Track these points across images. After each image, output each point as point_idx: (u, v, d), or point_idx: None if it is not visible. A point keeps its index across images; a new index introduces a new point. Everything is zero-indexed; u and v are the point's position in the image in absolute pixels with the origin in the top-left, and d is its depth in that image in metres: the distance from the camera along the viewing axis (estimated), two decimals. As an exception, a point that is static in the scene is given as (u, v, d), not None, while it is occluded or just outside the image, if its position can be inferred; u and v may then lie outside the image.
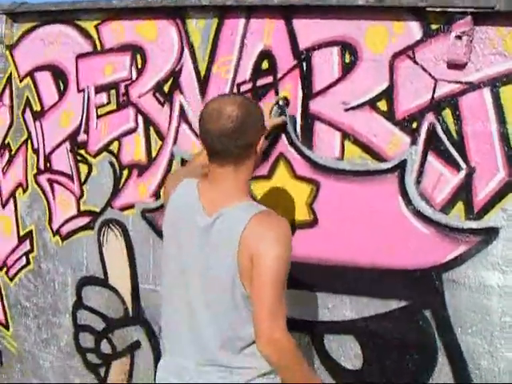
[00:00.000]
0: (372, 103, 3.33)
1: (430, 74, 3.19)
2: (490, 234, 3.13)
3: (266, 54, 3.57)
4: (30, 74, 4.33)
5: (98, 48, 4.05)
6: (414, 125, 3.24)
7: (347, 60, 3.37)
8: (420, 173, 3.25)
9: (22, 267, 4.49)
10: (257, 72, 3.59)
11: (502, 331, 3.16)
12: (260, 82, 3.59)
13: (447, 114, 3.17)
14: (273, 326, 2.48)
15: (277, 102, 3.50)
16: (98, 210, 4.17)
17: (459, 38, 3.09)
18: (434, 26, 3.17)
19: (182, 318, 2.71)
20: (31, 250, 4.45)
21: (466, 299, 3.20)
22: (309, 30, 3.45)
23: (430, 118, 3.20)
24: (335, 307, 3.50)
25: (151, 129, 3.92)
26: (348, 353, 3.51)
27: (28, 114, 4.36)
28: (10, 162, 4.41)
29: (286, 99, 3.48)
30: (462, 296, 3.21)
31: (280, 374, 2.61)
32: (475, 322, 3.20)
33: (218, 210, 2.61)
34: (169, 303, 2.80)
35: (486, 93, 3.08)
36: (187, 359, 2.70)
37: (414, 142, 3.25)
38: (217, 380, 2.63)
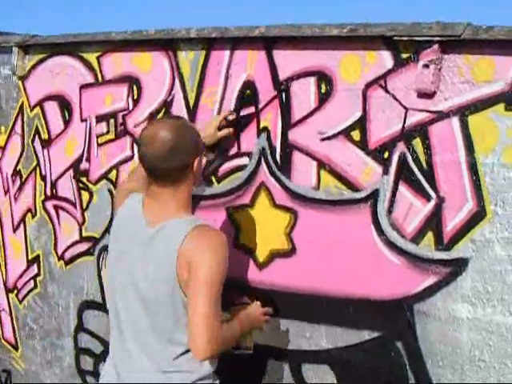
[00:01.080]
0: (346, 133, 3.30)
1: (400, 103, 3.15)
2: (460, 265, 3.05)
3: (248, 85, 3.58)
4: (40, 103, 4.45)
5: (99, 79, 4.15)
6: (386, 154, 3.20)
7: (323, 90, 3.36)
8: (392, 202, 3.20)
9: (30, 290, 4.59)
10: (240, 102, 3.61)
11: (472, 365, 3.07)
12: (243, 112, 3.60)
13: (417, 143, 3.12)
14: (209, 340, 2.62)
15: (225, 118, 3.55)
16: (98, 236, 4.23)
17: (427, 66, 3.04)
18: (404, 55, 3.12)
19: (125, 326, 2.86)
20: (38, 274, 4.55)
21: (436, 331, 3.12)
22: (288, 61, 3.45)
23: (400, 147, 3.16)
24: (312, 336, 3.46)
25: (145, 157, 3.97)
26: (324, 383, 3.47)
27: (37, 142, 4.48)
28: (20, 188, 4.53)
29: (235, 113, 3.54)
30: (432, 328, 3.13)
31: None
32: (445, 355, 3.11)
33: (160, 223, 2.76)
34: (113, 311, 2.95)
35: (455, 122, 3.02)
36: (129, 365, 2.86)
37: (385, 172, 3.21)
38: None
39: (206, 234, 2.73)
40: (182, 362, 2.78)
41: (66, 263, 4.42)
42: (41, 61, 4.43)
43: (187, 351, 2.76)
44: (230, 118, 3.58)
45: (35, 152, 4.51)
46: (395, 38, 3.09)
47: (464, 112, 3.00)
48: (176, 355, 2.78)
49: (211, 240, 2.72)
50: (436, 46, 3.00)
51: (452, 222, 3.06)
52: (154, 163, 2.72)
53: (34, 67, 4.46)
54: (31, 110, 4.51)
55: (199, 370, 2.81)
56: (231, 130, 3.58)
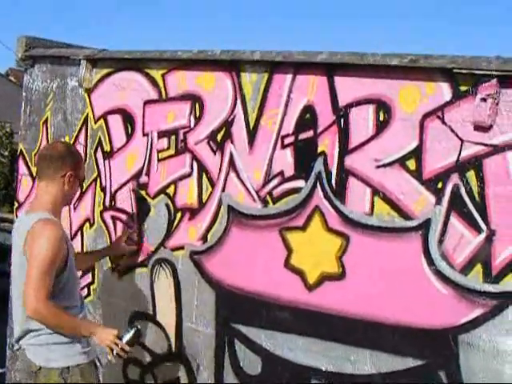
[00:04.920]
0: (402, 161, 3.46)
1: (457, 135, 3.30)
2: (507, 298, 3.18)
3: (308, 109, 3.77)
4: (104, 116, 4.71)
5: (163, 95, 4.39)
6: (440, 185, 3.35)
7: (381, 118, 3.53)
8: (443, 232, 3.34)
9: (84, 297, 4.83)
10: (299, 126, 3.81)
11: (514, 398, 3.18)
12: (302, 136, 3.80)
13: (471, 175, 3.26)
14: (35, 299, 3.42)
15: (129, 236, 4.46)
16: (152, 248, 4.47)
17: (484, 100, 3.19)
18: (462, 88, 3.28)
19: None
20: (92, 282, 4.79)
21: (479, 363, 3.24)
22: (348, 88, 3.64)
23: (454, 178, 3.30)
24: (357, 361, 3.61)
25: (204, 175, 4.19)
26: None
27: (99, 154, 4.74)
28: (80, 197, 4.78)
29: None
30: (475, 359, 3.25)
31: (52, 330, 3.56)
32: (487, 387, 3.24)
33: (28, 213, 3.68)
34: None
35: (510, 156, 3.16)
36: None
37: (438, 202, 3.35)
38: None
39: (44, 227, 3.52)
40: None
41: (121, 274, 4.65)
42: (107, 75, 4.69)
43: None
44: (134, 237, 4.47)
45: (97, 163, 4.76)
46: (455, 70, 3.25)
47: (520, 147, 3.13)
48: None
49: (45, 231, 3.50)
50: (495, 81, 3.15)
51: (502, 255, 3.18)
52: (42, 161, 3.72)
53: (100, 80, 4.72)
54: (95, 122, 4.76)
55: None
56: (135, 247, 4.48)
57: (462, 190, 3.28)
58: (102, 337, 3.63)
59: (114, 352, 3.63)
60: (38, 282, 3.43)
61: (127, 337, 3.67)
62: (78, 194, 4.04)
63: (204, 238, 4.19)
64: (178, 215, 4.33)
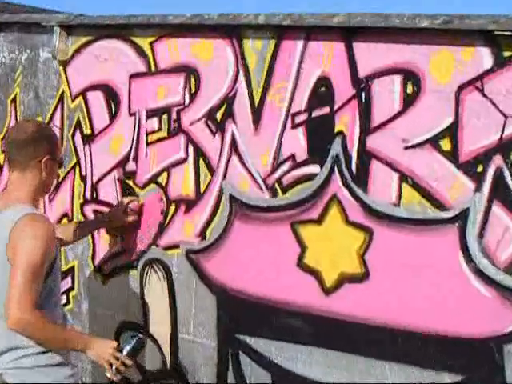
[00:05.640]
0: (434, 142, 3.41)
1: (499, 110, 3.24)
2: (559, 302, 3.14)
3: (323, 81, 3.72)
4: (83, 93, 4.67)
5: (152, 68, 4.34)
6: (480, 168, 3.30)
7: (409, 91, 3.48)
8: (484, 225, 3.29)
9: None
10: (313, 102, 3.76)
11: None
12: (315, 114, 3.75)
13: (517, 157, 3.22)
14: (19, 309, 3.34)
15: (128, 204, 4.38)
16: (143, 247, 4.44)
17: (532, 68, 3.15)
18: (506, 54, 3.21)
19: None
20: (72, 288, 4.76)
21: (528, 376, 3.22)
22: (370, 56, 3.58)
23: (497, 160, 3.25)
24: (382, 375, 3.57)
25: (201, 160, 4.15)
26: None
27: (78, 138, 4.70)
28: (56, 188, 4.75)
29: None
30: (524, 372, 3.23)
31: (39, 344, 3.46)
32: (537, 404, 3.21)
33: (4, 210, 3.55)
34: None
35: None
36: None
37: (478, 189, 3.30)
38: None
39: (30, 223, 3.44)
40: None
41: (105, 277, 4.62)
42: (86, 44, 4.65)
43: None
44: (132, 205, 4.40)
45: (75, 149, 4.73)
46: (496, 32, 3.19)
47: None
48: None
49: (33, 229, 3.43)
50: (545, 44, 3.10)
51: (553, 252, 3.15)
52: (11, 147, 3.62)
53: (77, 51, 4.69)
54: (73, 101, 4.73)
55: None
56: (136, 217, 4.40)
57: (507, 174, 3.23)
58: (98, 350, 3.55)
59: (113, 368, 3.52)
60: (24, 288, 3.35)
61: (128, 348, 3.58)
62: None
63: (202, 235, 4.17)
64: (172, 208, 4.32)
